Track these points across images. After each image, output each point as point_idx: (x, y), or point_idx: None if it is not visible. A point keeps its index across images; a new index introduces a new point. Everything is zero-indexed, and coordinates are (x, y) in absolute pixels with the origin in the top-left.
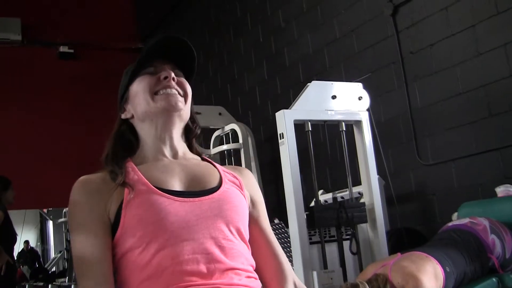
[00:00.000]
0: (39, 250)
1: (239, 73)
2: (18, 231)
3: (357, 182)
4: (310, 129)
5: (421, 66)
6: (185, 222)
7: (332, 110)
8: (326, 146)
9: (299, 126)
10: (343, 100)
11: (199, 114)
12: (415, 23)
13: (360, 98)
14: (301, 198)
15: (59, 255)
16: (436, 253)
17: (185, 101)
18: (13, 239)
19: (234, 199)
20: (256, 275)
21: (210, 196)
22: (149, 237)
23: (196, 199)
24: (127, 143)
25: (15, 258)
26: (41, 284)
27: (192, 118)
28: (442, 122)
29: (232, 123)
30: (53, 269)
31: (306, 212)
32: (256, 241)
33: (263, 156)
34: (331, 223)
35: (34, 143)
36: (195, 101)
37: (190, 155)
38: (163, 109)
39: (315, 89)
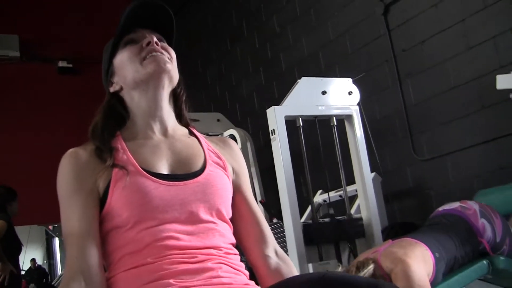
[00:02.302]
0: (46, 267)
1: (237, 80)
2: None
3: (353, 180)
4: (301, 124)
5: (414, 62)
6: (169, 206)
7: (323, 106)
8: (322, 145)
9: (294, 127)
10: (333, 96)
11: (197, 121)
12: (406, 20)
13: (350, 93)
14: (294, 192)
15: None
16: (426, 238)
17: (172, 62)
18: (17, 249)
19: (218, 182)
20: (236, 251)
21: (195, 179)
22: (135, 218)
23: (181, 182)
24: (117, 116)
25: (21, 269)
26: None
27: (178, 82)
28: (436, 117)
29: (230, 128)
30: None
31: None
32: (238, 208)
33: (263, 161)
34: (329, 240)
35: (36, 158)
36: (194, 109)
37: (179, 129)
38: (153, 72)
39: (305, 85)
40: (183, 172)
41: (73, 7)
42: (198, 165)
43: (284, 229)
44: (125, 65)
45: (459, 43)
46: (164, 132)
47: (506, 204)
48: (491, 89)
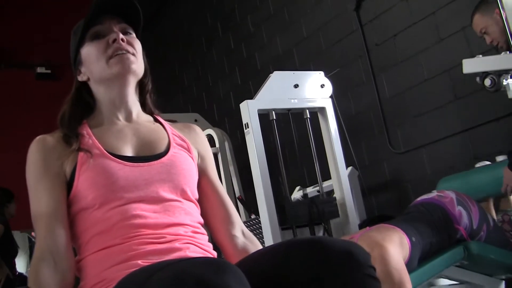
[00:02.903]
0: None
1: (213, 80)
2: None
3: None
4: (274, 117)
5: (387, 57)
6: (134, 186)
7: (295, 99)
8: (298, 140)
9: (269, 123)
10: (305, 89)
11: (175, 121)
12: (378, 15)
13: (322, 86)
14: (269, 184)
15: None
16: (403, 224)
17: (137, 57)
18: (14, 252)
19: (182, 162)
20: (203, 231)
21: (159, 160)
22: (101, 199)
23: (146, 163)
24: (84, 105)
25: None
26: None
27: (145, 72)
28: (410, 110)
29: (208, 128)
30: None
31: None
32: (204, 191)
33: (241, 160)
34: (304, 220)
35: (16, 163)
36: (171, 110)
37: (144, 116)
38: (118, 73)
39: (277, 79)
40: (148, 154)
41: (51, 14)
42: (162, 148)
43: (261, 225)
44: (92, 61)
45: (430, 35)
46: (129, 118)
47: (469, 190)
48: (464, 79)
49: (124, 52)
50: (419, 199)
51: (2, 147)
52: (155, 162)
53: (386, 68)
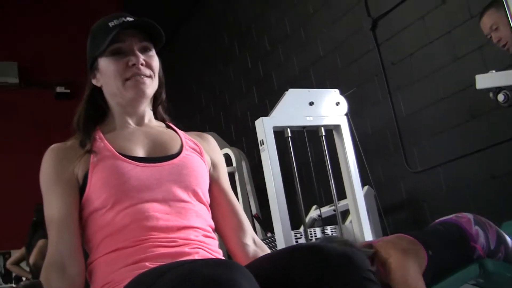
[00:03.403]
0: None
1: (231, 100)
2: None
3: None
4: (290, 135)
5: (403, 75)
6: (145, 186)
7: (311, 116)
8: (314, 159)
9: (285, 142)
10: (321, 106)
11: None
12: (394, 34)
13: (337, 104)
14: (284, 201)
15: None
16: (421, 237)
17: (153, 78)
18: None
19: (193, 164)
20: (214, 235)
21: (170, 161)
22: (113, 199)
23: (157, 164)
24: (97, 108)
25: None
26: None
27: (159, 83)
28: (427, 128)
29: (225, 148)
30: None
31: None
32: (216, 199)
33: (258, 179)
34: None
35: (34, 181)
36: (188, 130)
37: (155, 122)
38: (133, 98)
39: (292, 96)
40: (159, 155)
41: (71, 34)
42: (175, 150)
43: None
44: (109, 76)
45: (446, 54)
46: (140, 122)
47: None
48: (480, 98)
49: (142, 76)
50: (437, 220)
51: (20, 166)
52: (167, 163)
53: (402, 87)
